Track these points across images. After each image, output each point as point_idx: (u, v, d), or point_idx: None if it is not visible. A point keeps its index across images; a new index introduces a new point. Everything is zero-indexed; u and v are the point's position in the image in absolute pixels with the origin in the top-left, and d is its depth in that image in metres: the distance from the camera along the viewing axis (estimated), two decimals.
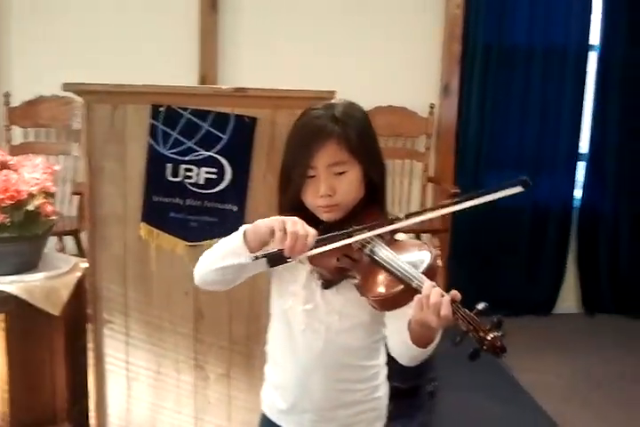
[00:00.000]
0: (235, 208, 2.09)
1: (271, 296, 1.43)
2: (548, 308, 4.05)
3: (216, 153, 2.05)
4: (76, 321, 2.29)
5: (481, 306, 1.13)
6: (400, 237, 1.33)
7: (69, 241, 3.20)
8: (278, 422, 1.44)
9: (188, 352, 2.19)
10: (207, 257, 1.35)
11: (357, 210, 1.33)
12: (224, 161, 2.06)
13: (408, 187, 3.66)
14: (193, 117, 2.03)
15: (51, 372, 2.24)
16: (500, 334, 1.09)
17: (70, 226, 3.17)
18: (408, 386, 2.54)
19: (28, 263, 2.19)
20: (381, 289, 1.21)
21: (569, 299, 4.12)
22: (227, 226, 2.06)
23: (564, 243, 4.02)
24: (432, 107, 3.65)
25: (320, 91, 2.05)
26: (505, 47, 3.77)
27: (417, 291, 1.16)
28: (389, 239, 1.29)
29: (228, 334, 2.18)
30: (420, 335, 1.20)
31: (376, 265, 1.24)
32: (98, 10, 3.49)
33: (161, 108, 2.02)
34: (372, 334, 1.37)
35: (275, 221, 1.21)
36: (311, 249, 1.21)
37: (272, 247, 1.22)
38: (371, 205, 1.34)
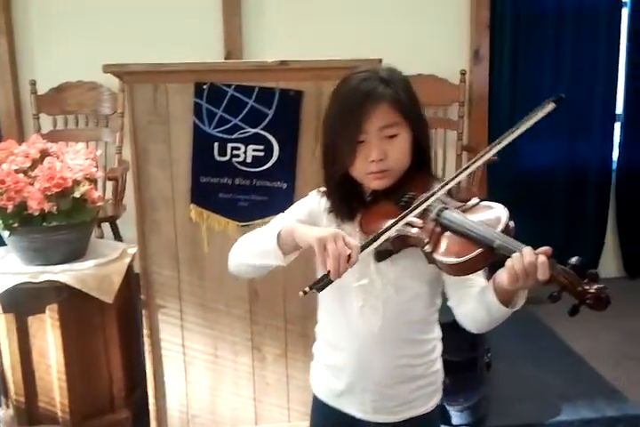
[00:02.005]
0: (284, 185, 2.04)
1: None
2: None
3: (262, 129, 2.00)
4: (129, 308, 2.27)
5: (574, 260, 1.09)
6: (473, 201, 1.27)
7: (106, 228, 3.16)
8: (336, 405, 1.41)
9: (244, 334, 2.16)
10: (242, 249, 1.33)
11: (407, 176, 1.28)
12: (271, 137, 2.01)
13: (443, 156, 3.58)
14: (237, 94, 1.98)
15: (106, 360, 2.22)
16: (602, 286, 1.06)
17: (105, 213, 3.14)
18: (463, 359, 2.50)
19: (77, 251, 2.16)
20: (458, 252, 1.15)
21: (610, 262, 4.05)
22: (277, 204, 2.03)
23: (603, 206, 3.95)
24: (463, 73, 3.55)
25: (365, 59, 2.00)
26: (534, 11, 3.65)
27: (497, 251, 1.11)
28: (452, 201, 1.25)
29: (284, 314, 2.15)
30: (508, 295, 1.16)
31: (446, 229, 1.19)
32: None
33: (204, 86, 1.96)
34: (429, 305, 1.33)
35: (314, 238, 1.14)
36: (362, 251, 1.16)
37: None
38: (419, 171, 1.30)
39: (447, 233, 1.18)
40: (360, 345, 1.32)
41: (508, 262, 1.09)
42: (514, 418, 2.43)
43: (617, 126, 3.91)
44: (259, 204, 2.05)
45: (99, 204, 2.08)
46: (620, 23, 3.76)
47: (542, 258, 1.06)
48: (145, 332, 2.13)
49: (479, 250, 1.12)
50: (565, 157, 3.82)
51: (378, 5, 3.55)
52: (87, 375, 2.20)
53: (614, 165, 3.95)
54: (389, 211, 1.24)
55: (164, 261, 2.09)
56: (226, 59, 3.41)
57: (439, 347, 1.41)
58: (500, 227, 1.14)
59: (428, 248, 1.19)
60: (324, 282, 1.15)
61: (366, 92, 1.23)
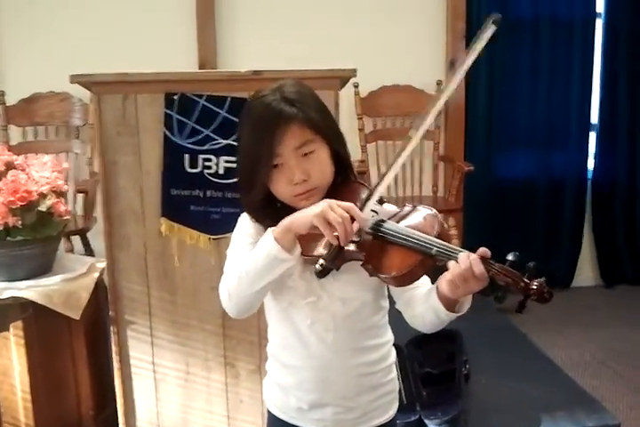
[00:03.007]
0: None
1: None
2: (567, 281, 3.98)
3: (235, 141, 1.95)
4: (97, 324, 2.21)
5: (511, 256, 1.08)
6: (389, 206, 1.27)
7: (77, 241, 3.09)
8: (294, 423, 1.37)
9: (216, 350, 2.11)
10: (238, 281, 1.24)
11: (333, 189, 1.26)
12: None
13: (419, 166, 3.56)
14: (209, 104, 1.93)
15: (74, 378, 2.15)
16: (543, 280, 1.05)
17: (76, 225, 3.07)
18: (441, 371, 2.47)
19: (43, 266, 2.10)
20: (398, 264, 1.14)
21: (587, 271, 4.07)
22: None
23: (579, 215, 3.97)
24: (439, 84, 3.54)
25: (339, 69, 1.98)
26: (510, 21, 3.67)
27: (436, 258, 1.11)
28: (384, 208, 1.24)
29: (257, 328, 2.10)
30: (453, 301, 1.16)
31: (383, 241, 1.17)
32: (90, 3, 3.37)
33: (175, 97, 1.91)
34: (377, 310, 1.32)
35: (312, 217, 1.13)
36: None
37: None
38: (346, 181, 1.28)
39: (384, 245, 1.17)
40: (316, 361, 1.30)
41: (446, 273, 1.10)
42: None
43: (592, 136, 3.93)
44: (231, 216, 1.96)
45: (65, 217, 2.02)
46: (594, 34, 3.80)
47: (477, 262, 1.07)
48: (114, 349, 2.07)
49: (418, 259, 1.12)
50: (541, 166, 3.84)
51: (353, 16, 3.55)
52: (54, 394, 2.13)
53: (590, 175, 3.97)
54: None
55: (134, 276, 2.03)
56: (200, 69, 3.37)
57: (393, 352, 1.39)
58: (436, 231, 1.13)
59: (367, 264, 1.17)
60: (336, 253, 1.14)
61: (273, 115, 1.20)
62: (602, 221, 4.01)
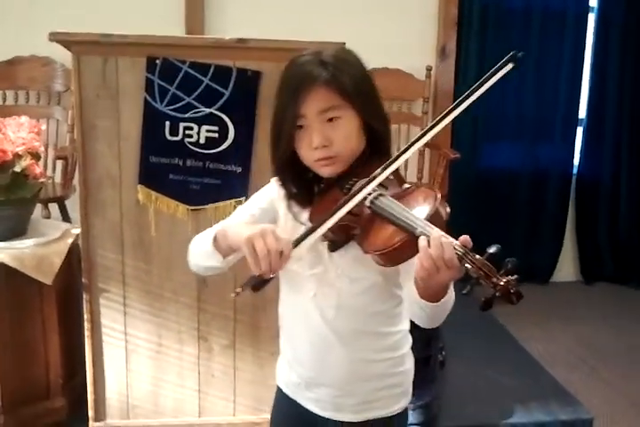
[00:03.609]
0: (239, 169, 1.97)
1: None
2: (547, 276, 3.98)
3: (217, 110, 1.93)
4: (70, 291, 2.18)
5: (492, 249, 1.00)
6: (407, 186, 1.21)
7: (54, 208, 3.04)
8: (295, 398, 1.35)
9: (190, 323, 2.09)
10: (193, 248, 1.27)
11: (360, 163, 1.21)
12: (226, 118, 1.93)
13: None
14: (192, 71, 1.90)
15: (44, 345, 2.12)
16: (514, 278, 0.98)
17: (54, 193, 3.02)
18: (417, 356, 2.46)
19: (16, 229, 2.06)
20: (383, 241, 1.09)
21: (567, 266, 4.06)
22: (230, 188, 1.99)
23: (562, 210, 3.95)
24: (429, 69, 3.52)
25: (328, 42, 1.94)
26: (502, 10, 3.64)
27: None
28: (393, 188, 1.18)
29: (233, 303, 2.08)
30: (429, 289, 1.07)
31: (377, 216, 1.13)
32: None
33: (157, 61, 1.88)
34: (387, 297, 1.26)
35: (242, 240, 1.07)
36: (298, 246, 1.10)
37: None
38: (375, 157, 1.21)
39: (377, 220, 1.13)
40: (316, 337, 1.26)
41: (416, 258, 1.03)
42: (466, 419, 2.40)
43: (579, 131, 3.92)
44: (211, 187, 1.98)
45: (41, 180, 1.99)
46: (586, 28, 3.77)
47: (449, 247, 1.00)
48: (85, 316, 2.04)
49: (404, 238, 1.06)
50: (527, 159, 3.83)
51: None
52: (22, 360, 2.09)
53: (575, 170, 3.96)
54: (337, 199, 1.17)
55: (108, 244, 2.00)
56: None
57: (407, 343, 1.33)
58: (427, 213, 1.08)
59: (360, 239, 1.14)
60: (258, 281, 1.08)
61: (303, 74, 1.18)
62: (585, 217, 4.00)
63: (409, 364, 1.33)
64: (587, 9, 3.77)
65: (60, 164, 3.01)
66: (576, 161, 3.96)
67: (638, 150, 3.93)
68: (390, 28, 3.51)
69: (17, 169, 1.89)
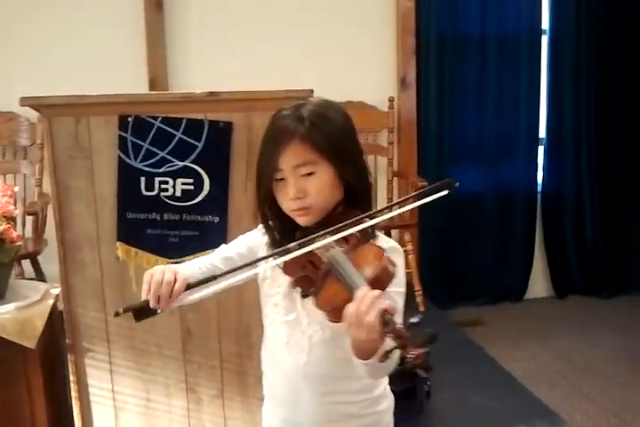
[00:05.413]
0: (216, 219, 1.98)
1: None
2: (521, 293, 4.05)
3: (191, 162, 1.94)
4: (53, 352, 2.14)
5: (415, 319, 1.04)
6: (378, 240, 1.24)
7: (27, 265, 3.00)
8: None
9: (177, 375, 2.07)
10: None
11: (338, 211, 1.26)
12: (201, 170, 1.94)
13: (374, 182, 3.58)
14: (164, 126, 1.91)
15: (30, 410, 2.06)
16: (423, 351, 1.01)
17: (26, 249, 2.98)
18: (402, 388, 2.47)
19: None
20: (328, 299, 1.11)
21: (539, 283, 4.13)
22: (209, 238, 1.99)
23: (530, 228, 4.03)
24: (391, 100, 3.58)
25: (296, 90, 1.97)
26: (459, 37, 3.74)
27: None
28: (354, 244, 1.19)
29: (219, 352, 2.07)
30: (355, 343, 1.07)
31: (329, 273, 1.14)
32: (37, 21, 3.30)
33: (129, 119, 1.89)
34: None
35: (147, 273, 1.20)
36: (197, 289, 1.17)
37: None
38: (350, 209, 1.25)
39: (330, 277, 1.13)
40: (288, 380, 1.30)
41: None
42: None
43: (540, 150, 4.01)
44: (189, 239, 1.98)
45: (17, 243, 1.96)
46: (540, 50, 3.88)
47: (374, 309, 1.00)
48: (71, 378, 2.02)
49: (345, 296, 1.06)
50: (492, 180, 3.90)
51: (305, 34, 3.55)
52: (7, 426, 2.04)
53: (539, 188, 4.05)
54: None
55: (90, 303, 1.99)
56: (150, 86, 3.32)
57: (382, 384, 1.34)
58: (370, 272, 1.08)
59: (314, 292, 1.15)
60: (142, 306, 1.17)
61: (281, 129, 1.23)
62: (552, 233, 4.08)
63: (385, 404, 1.35)
64: (539, 31, 3.88)
65: (30, 219, 2.97)
66: (539, 179, 4.04)
67: (597, 165, 4.04)
68: (352, 62, 3.58)
69: None
